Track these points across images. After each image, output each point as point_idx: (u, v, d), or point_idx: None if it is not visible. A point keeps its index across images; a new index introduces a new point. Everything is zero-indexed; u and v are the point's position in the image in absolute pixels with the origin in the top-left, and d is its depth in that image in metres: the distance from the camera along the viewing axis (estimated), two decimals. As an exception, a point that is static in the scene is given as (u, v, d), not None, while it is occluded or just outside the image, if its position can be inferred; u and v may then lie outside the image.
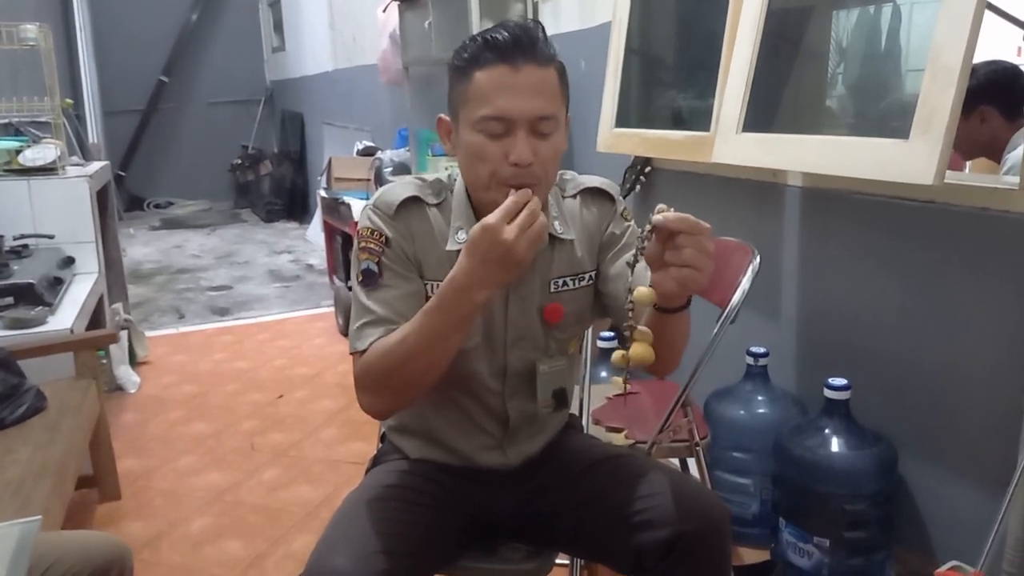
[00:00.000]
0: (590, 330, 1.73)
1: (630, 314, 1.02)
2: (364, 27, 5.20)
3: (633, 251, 1.02)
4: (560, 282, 1.23)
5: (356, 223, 3.81)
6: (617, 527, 1.16)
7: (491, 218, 0.99)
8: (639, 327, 1.01)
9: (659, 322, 1.06)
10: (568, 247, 1.23)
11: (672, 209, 0.96)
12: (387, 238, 1.16)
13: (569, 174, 1.29)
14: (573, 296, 1.25)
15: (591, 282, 1.26)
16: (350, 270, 1.24)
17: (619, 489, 1.19)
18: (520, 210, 1.00)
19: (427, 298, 1.17)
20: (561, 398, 1.28)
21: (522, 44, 1.07)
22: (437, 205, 1.20)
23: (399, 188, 1.20)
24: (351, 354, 1.15)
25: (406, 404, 1.20)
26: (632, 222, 1.29)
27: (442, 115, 1.19)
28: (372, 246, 1.16)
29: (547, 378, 1.25)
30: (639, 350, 1.00)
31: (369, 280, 1.15)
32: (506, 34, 1.07)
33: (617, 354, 1.03)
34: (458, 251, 1.15)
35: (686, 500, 1.14)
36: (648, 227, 0.97)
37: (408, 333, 1.07)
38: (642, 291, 0.99)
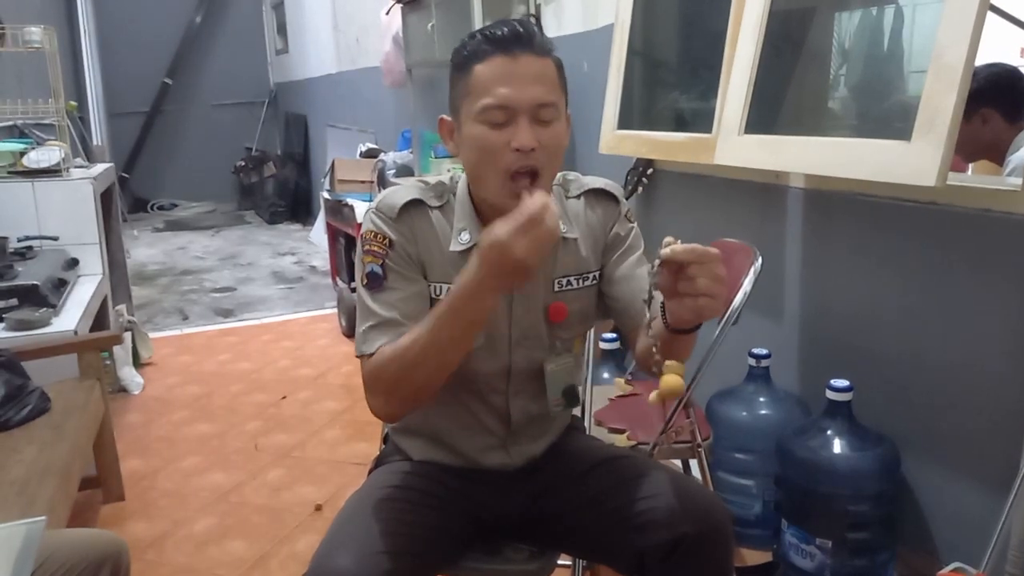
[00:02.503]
0: (592, 331, 1.73)
1: (655, 350, 1.04)
2: (367, 29, 5.21)
3: (647, 286, 1.02)
4: (564, 281, 1.24)
5: (359, 225, 3.83)
6: (619, 528, 1.16)
7: (502, 233, 0.96)
8: (667, 362, 1.01)
9: (671, 341, 1.08)
10: (572, 246, 1.24)
11: (679, 240, 0.96)
12: (391, 240, 1.16)
13: (572, 175, 1.30)
14: (577, 295, 1.25)
15: (595, 282, 1.27)
16: (354, 273, 1.24)
17: (621, 490, 1.19)
18: (533, 221, 0.96)
19: (432, 300, 1.18)
20: (571, 395, 1.28)
21: (520, 37, 1.09)
22: (440, 207, 1.21)
23: (401, 191, 1.21)
24: (358, 357, 1.16)
25: (416, 407, 1.19)
26: (636, 224, 1.29)
27: (443, 116, 1.19)
28: (376, 249, 1.16)
29: (556, 376, 1.25)
30: (669, 382, 1.01)
31: (374, 283, 1.16)
32: (504, 28, 1.09)
33: (652, 395, 1.04)
34: (461, 252, 1.17)
35: (688, 502, 1.14)
36: (657, 262, 0.97)
37: (418, 337, 1.07)
38: (669, 381, 1.00)
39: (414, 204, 1.19)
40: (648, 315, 1.05)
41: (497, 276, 1.00)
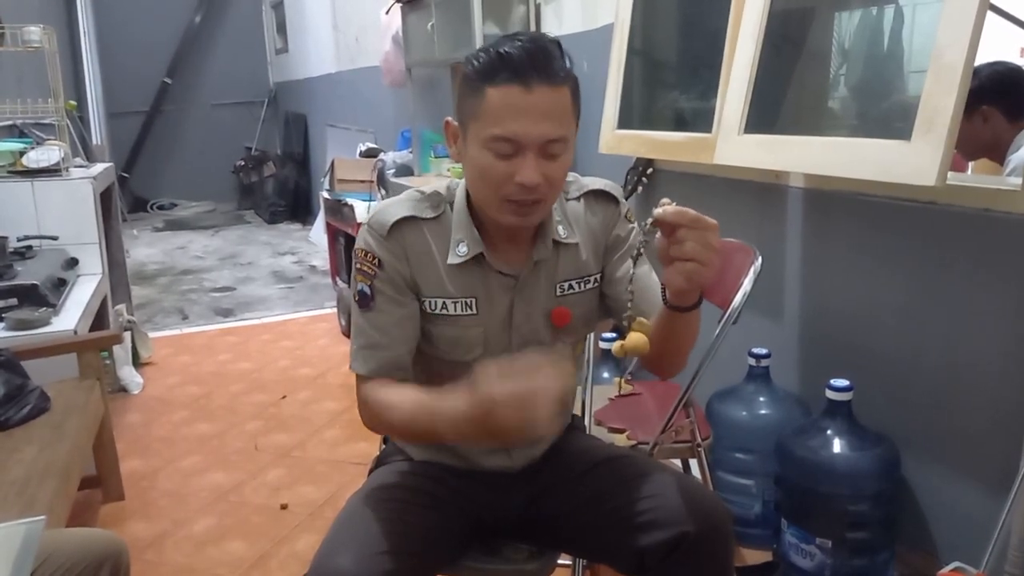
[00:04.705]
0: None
1: (629, 304, 1.04)
2: (367, 29, 5.21)
3: (637, 243, 1.03)
4: (566, 285, 1.23)
5: (359, 224, 3.84)
6: (619, 528, 1.16)
7: (498, 394, 0.93)
8: (639, 318, 1.02)
9: (669, 320, 1.07)
10: (573, 250, 1.23)
11: (674, 203, 0.97)
12: (380, 261, 1.16)
13: (571, 176, 1.29)
14: (579, 299, 1.25)
15: (596, 284, 1.26)
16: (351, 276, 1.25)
17: (621, 490, 1.19)
18: (532, 400, 0.92)
19: (427, 314, 1.19)
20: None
21: (537, 62, 1.05)
22: (435, 219, 1.19)
23: (394, 207, 1.19)
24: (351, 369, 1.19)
25: None
26: (635, 224, 1.29)
27: (449, 119, 1.17)
28: (366, 269, 1.17)
29: None
30: (634, 339, 1.01)
31: (363, 302, 1.18)
32: (521, 50, 1.05)
33: (615, 344, 1.05)
34: (458, 265, 1.17)
35: (688, 501, 1.14)
36: (649, 220, 0.98)
37: (404, 403, 1.12)
38: (635, 338, 1.00)
39: (405, 221, 1.18)
40: (632, 272, 1.08)
41: (478, 433, 0.98)
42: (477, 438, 1.01)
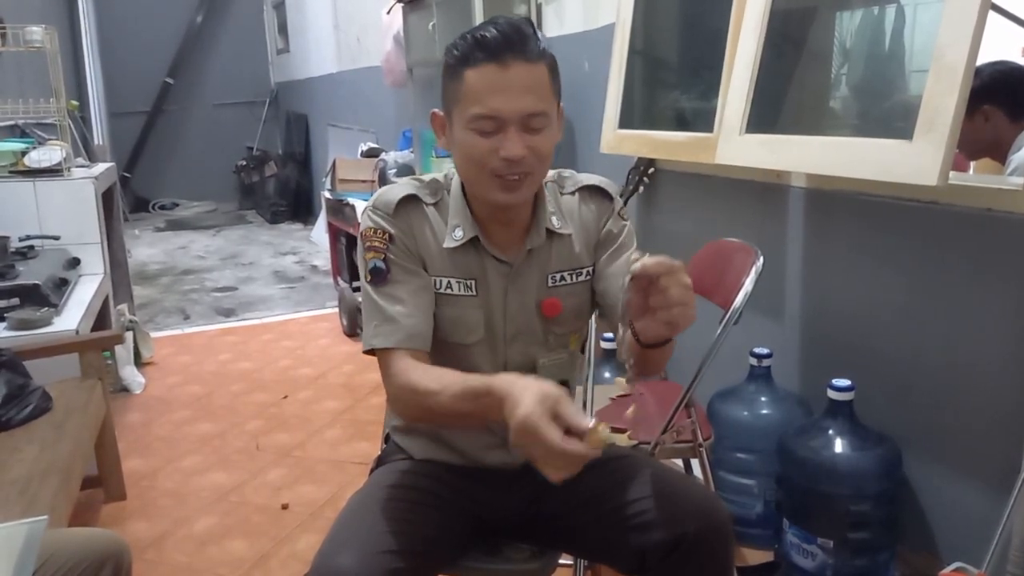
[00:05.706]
0: (593, 330, 1.73)
1: (629, 368, 1.05)
2: (368, 29, 5.21)
3: (620, 303, 1.00)
4: (558, 276, 1.25)
5: (360, 224, 3.84)
6: (619, 528, 1.17)
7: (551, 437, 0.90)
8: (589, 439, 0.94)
9: (647, 356, 1.07)
10: (566, 242, 1.25)
11: (647, 254, 0.96)
12: (390, 235, 1.18)
13: (568, 172, 1.31)
14: (571, 291, 1.26)
15: (588, 278, 1.27)
16: (355, 272, 1.25)
17: (621, 490, 1.19)
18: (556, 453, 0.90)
19: (435, 291, 1.19)
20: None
21: (512, 42, 1.08)
22: (434, 204, 1.22)
23: (396, 188, 1.22)
24: (366, 353, 1.17)
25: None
26: (629, 221, 1.30)
27: (436, 111, 1.20)
28: (377, 244, 1.17)
29: (548, 371, 1.25)
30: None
31: (378, 278, 1.17)
32: (496, 32, 1.08)
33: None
34: (455, 249, 1.19)
35: (688, 501, 1.14)
36: (627, 278, 0.96)
37: (442, 390, 1.07)
38: (606, 435, 0.93)
39: (410, 200, 1.20)
40: (622, 330, 1.04)
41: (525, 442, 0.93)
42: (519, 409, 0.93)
